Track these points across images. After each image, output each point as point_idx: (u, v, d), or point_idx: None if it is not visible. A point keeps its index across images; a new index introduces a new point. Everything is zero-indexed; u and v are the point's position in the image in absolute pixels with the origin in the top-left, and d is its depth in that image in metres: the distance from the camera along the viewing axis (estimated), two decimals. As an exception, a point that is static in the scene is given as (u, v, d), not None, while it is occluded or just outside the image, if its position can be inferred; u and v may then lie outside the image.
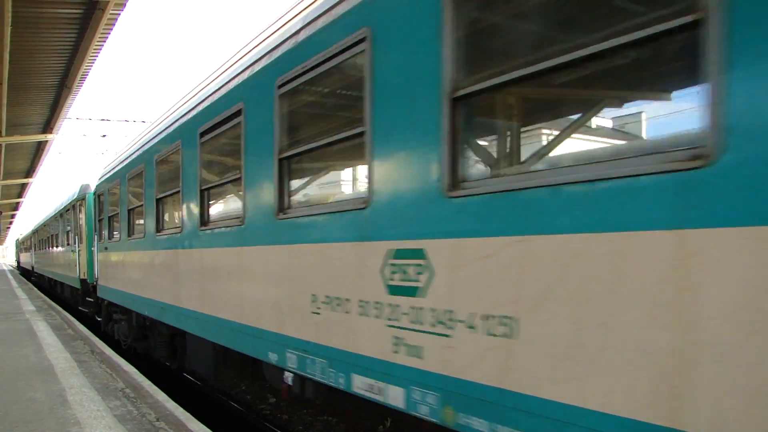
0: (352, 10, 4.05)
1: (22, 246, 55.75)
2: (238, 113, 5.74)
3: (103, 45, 12.84)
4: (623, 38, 2.37)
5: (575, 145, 4.22)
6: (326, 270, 4.39)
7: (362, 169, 4.01)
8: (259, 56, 5.41)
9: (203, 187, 6.75)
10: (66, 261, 20.42)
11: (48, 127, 19.85)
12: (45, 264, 29.66)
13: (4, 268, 70.45)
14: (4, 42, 11.76)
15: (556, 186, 2.67)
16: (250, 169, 5.48)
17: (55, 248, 24.67)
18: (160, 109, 9.50)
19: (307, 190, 5.76)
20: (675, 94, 3.86)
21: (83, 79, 14.83)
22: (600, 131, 4.41)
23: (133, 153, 10.11)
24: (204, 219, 6.83)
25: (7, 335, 12.62)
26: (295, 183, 5.17)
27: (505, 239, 2.92)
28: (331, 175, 6.17)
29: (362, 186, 4.04)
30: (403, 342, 3.59)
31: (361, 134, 3.90)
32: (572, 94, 3.85)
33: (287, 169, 4.96)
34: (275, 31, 5.25)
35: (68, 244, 19.94)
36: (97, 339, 11.98)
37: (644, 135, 4.12)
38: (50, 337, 12.29)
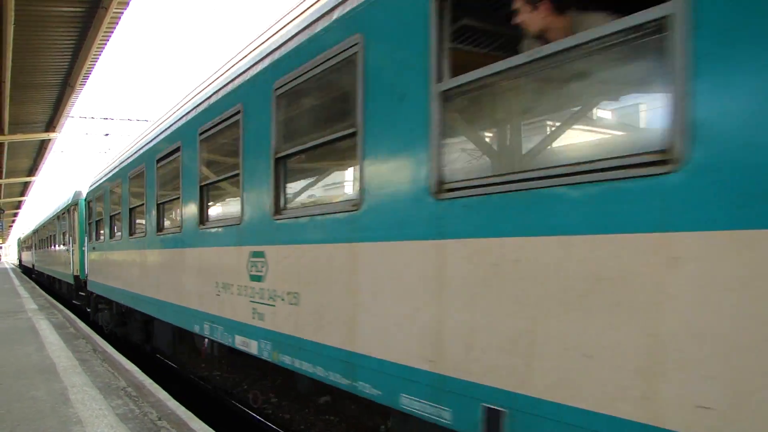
0: (234, 90, 6.22)
1: (23, 245, 59.07)
2: (178, 149, 7.97)
3: (106, 43, 12.92)
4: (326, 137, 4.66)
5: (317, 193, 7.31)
6: (222, 264, 6.50)
7: (239, 198, 6.03)
8: (189, 109, 7.67)
9: (159, 202, 9.00)
10: (62, 259, 22.87)
11: (51, 125, 19.93)
12: (44, 262, 32.85)
13: (6, 266, 70.69)
14: (7, 40, 11.84)
15: (310, 216, 4.81)
16: (185, 190, 7.67)
17: (52, 248, 27.60)
18: (136, 134, 12.27)
19: (216, 208, 7.99)
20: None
21: (86, 77, 14.92)
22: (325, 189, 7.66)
23: (115, 168, 12.39)
24: (160, 226, 9.05)
25: (9, 333, 12.69)
26: (211, 203, 7.45)
27: (295, 246, 4.99)
28: (229, 199, 8.09)
29: (239, 209, 6.03)
30: (256, 311, 5.66)
31: (237, 175, 6.05)
32: (319, 165, 6.79)
33: (206, 193, 7.18)
34: (198, 93, 7.47)
35: (64, 245, 22.21)
36: (98, 338, 12.05)
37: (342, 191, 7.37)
38: (52, 336, 12.35)
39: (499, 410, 3.05)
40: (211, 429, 5.93)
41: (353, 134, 4.14)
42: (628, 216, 2.44)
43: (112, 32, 12.46)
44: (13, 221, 71.04)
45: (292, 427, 7.68)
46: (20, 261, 65.92)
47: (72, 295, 20.46)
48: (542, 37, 3.11)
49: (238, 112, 6.01)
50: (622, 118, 4.58)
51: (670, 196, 2.29)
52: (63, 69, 14.71)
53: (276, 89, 5.21)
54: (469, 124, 4.15)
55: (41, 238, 34.71)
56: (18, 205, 51.64)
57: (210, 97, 6.96)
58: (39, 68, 14.45)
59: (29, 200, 49.92)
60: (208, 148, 7.17)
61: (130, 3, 11.27)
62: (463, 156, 4.20)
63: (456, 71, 3.34)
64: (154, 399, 7.07)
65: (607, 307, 2.54)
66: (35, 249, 40.22)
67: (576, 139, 4.20)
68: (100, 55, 13.61)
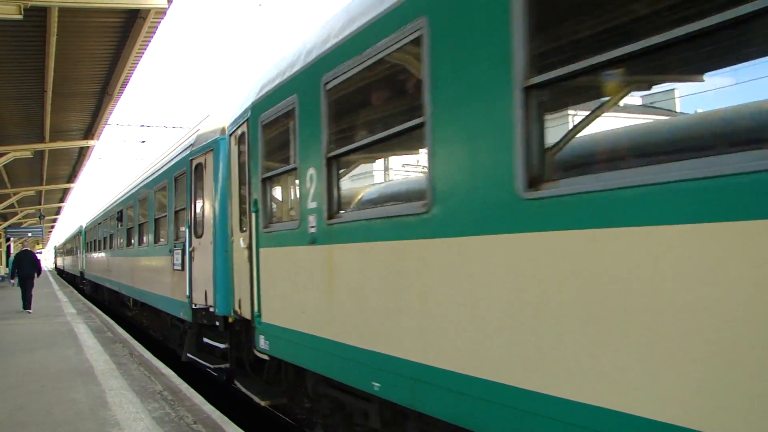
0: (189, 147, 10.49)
1: (58, 251, 75.51)
2: (178, 178, 10.95)
3: (143, 52, 13.23)
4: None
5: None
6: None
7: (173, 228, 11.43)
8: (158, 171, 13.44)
9: (112, 233, 22.22)
10: (75, 263, 41.60)
11: (90, 133, 20.49)
12: (67, 264, 53.61)
13: (45, 269, 73.44)
14: (49, 51, 12.23)
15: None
16: (157, 217, 12.60)
17: (71, 256, 47.26)
18: (111, 192, 25.40)
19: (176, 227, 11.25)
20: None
21: (124, 86, 15.29)
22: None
23: (97, 216, 25.90)
24: (113, 244, 20.22)
25: (50, 337, 13.08)
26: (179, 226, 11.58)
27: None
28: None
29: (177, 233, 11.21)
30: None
31: (183, 210, 10.43)
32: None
33: (176, 221, 11.20)
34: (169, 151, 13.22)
35: (76, 254, 40.04)
36: (136, 342, 12.32)
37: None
38: (90, 340, 12.69)
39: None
40: (245, 434, 6.02)
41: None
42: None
43: (150, 41, 12.77)
44: (53, 227, 73.14)
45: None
46: (56, 264, 79.98)
47: (78, 282, 38.11)
48: None
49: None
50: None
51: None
52: (102, 78, 15.12)
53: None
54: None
55: (65, 249, 56.07)
56: (57, 211, 53.17)
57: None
58: (79, 77, 14.89)
59: (68, 207, 51.45)
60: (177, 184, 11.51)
61: (168, 12, 11.56)
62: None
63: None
64: (190, 403, 7.21)
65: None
66: (63, 255, 60.83)
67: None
68: (137, 63, 13.96)
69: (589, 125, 3.67)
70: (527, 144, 2.97)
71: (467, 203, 3.44)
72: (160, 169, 12.10)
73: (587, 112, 3.70)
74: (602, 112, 3.64)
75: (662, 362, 2.40)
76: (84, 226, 32.66)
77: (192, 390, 7.88)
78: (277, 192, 6.70)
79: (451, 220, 3.58)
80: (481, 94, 3.33)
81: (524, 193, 2.99)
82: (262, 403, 6.95)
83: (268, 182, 6.38)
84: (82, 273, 34.29)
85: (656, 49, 2.47)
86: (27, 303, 19.73)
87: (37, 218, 45.04)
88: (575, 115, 3.84)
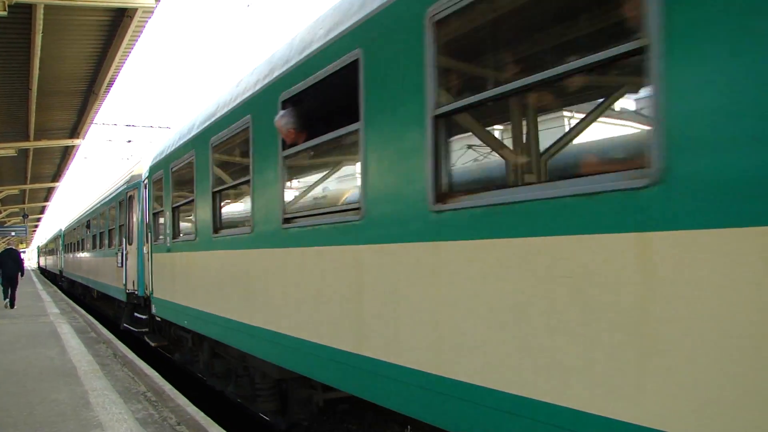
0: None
1: (41, 251, 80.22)
2: (121, 202, 14.49)
3: (130, 52, 13.14)
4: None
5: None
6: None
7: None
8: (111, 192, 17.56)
9: (66, 242, 35.12)
10: (56, 261, 44.96)
11: (75, 132, 20.28)
12: (49, 264, 57.43)
13: (29, 268, 73.01)
14: (34, 49, 12.10)
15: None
16: (110, 228, 16.26)
17: (52, 255, 51.84)
18: (76, 209, 33.20)
19: (120, 236, 14.68)
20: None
21: (110, 85, 15.16)
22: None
23: (73, 222, 30.59)
24: (94, 244, 21.26)
25: (32, 337, 12.94)
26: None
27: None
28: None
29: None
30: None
31: (123, 225, 14.52)
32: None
33: (120, 232, 14.58)
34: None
35: (56, 254, 44.46)
36: (119, 343, 12.22)
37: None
38: (74, 340, 12.56)
39: None
40: (229, 435, 6.00)
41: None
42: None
43: (137, 41, 12.68)
44: (36, 226, 72.31)
45: (309, 435, 7.74)
46: (38, 263, 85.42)
47: (58, 279, 41.71)
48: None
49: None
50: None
51: None
52: (88, 77, 14.97)
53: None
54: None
55: (47, 249, 61.25)
56: (41, 210, 52.60)
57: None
58: (64, 76, 14.73)
59: (52, 206, 51.03)
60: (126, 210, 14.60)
61: (155, 12, 11.47)
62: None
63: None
64: (174, 404, 7.15)
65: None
66: (45, 255, 65.81)
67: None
68: (124, 63, 13.83)
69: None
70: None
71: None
72: (112, 193, 16.87)
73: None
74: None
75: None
76: (63, 230, 38.02)
77: (176, 391, 7.82)
78: (159, 221, 10.27)
79: (202, 242, 7.50)
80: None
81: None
82: (152, 344, 11.70)
83: (156, 215, 10.45)
84: (61, 271, 39.21)
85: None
86: (11, 301, 20.28)
87: (21, 217, 44.52)
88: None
